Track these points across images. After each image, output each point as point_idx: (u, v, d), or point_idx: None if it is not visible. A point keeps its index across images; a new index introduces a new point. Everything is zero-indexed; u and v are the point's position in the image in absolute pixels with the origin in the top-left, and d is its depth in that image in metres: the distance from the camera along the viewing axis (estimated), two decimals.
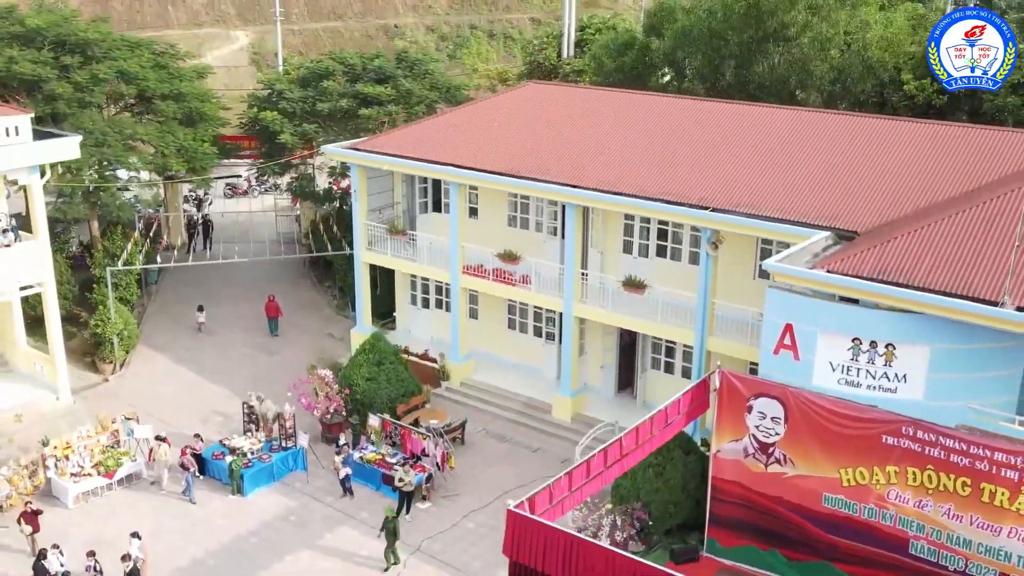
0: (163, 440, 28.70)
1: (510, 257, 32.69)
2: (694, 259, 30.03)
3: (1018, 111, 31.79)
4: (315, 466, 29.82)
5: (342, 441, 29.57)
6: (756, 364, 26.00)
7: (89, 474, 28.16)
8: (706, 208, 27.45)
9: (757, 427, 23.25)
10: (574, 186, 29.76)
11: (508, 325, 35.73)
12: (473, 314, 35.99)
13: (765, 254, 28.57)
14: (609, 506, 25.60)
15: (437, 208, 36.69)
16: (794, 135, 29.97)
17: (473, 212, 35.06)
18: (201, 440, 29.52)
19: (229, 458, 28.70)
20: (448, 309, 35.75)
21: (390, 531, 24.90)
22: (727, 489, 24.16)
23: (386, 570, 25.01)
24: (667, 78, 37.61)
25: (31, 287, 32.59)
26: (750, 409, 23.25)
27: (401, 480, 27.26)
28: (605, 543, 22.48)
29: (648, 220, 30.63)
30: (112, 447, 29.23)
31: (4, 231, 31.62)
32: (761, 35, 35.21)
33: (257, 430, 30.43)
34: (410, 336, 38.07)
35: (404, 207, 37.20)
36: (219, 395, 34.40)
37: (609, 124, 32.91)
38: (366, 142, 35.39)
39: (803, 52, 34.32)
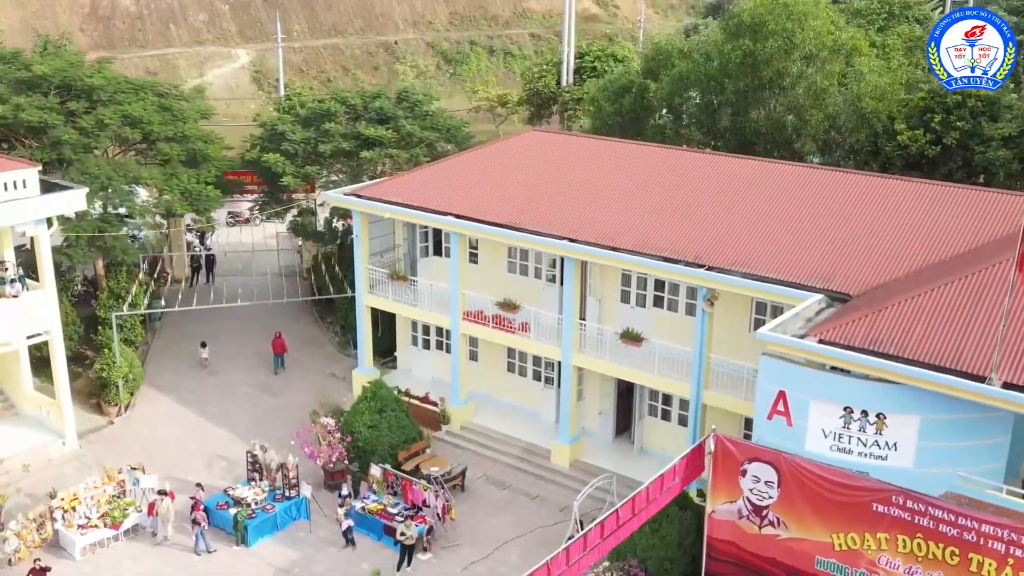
0: (165, 494, 29.16)
1: (509, 306, 33.20)
2: (691, 310, 30.54)
3: (1009, 164, 32.26)
4: (318, 514, 30.30)
5: (344, 492, 30.06)
6: (751, 418, 26.52)
7: (96, 525, 28.66)
8: (702, 266, 27.95)
9: (751, 490, 23.73)
10: (572, 240, 30.27)
11: (508, 368, 36.22)
12: (473, 356, 36.49)
13: (760, 308, 29.14)
14: (606, 563, 26.09)
15: (438, 252, 37.16)
16: (791, 190, 30.48)
17: (473, 258, 35.56)
18: (202, 489, 29.99)
19: (233, 509, 29.19)
20: (448, 350, 36.25)
21: None
22: (722, 548, 24.65)
23: None
24: (664, 120, 38.06)
25: (38, 335, 33.04)
26: (744, 473, 23.74)
27: (403, 534, 27.77)
28: None
29: (646, 272, 31.13)
30: (118, 497, 29.72)
31: (11, 281, 32.12)
32: (757, 83, 35.72)
33: (261, 479, 30.92)
34: (411, 375, 38.61)
35: (405, 250, 37.71)
36: (223, 439, 34.89)
37: (608, 174, 33.42)
38: (368, 188, 35.89)
39: (798, 102, 34.82)
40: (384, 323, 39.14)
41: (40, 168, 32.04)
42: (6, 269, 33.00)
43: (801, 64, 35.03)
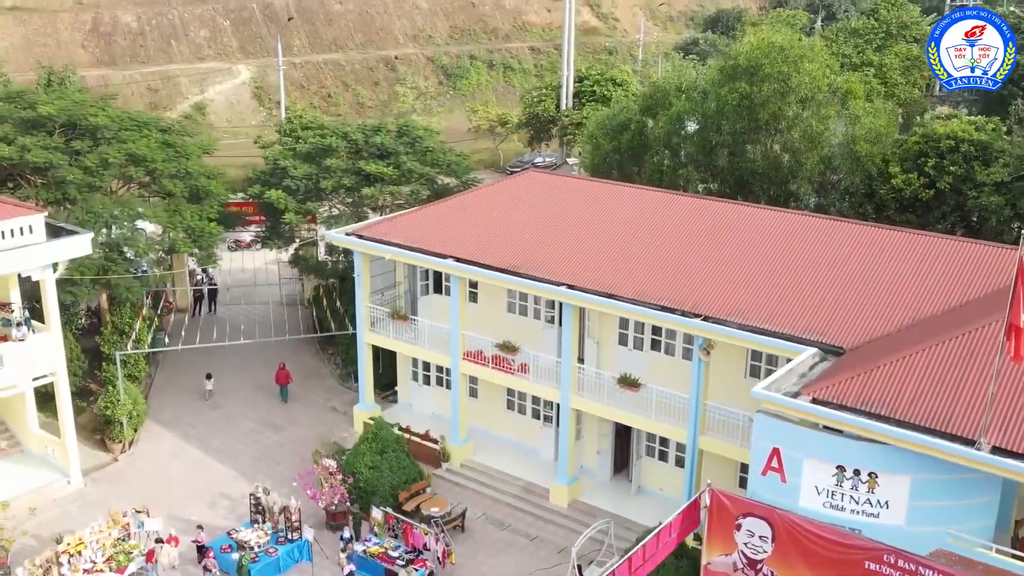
0: (163, 542, 29.55)
1: (509, 348, 33.65)
2: (687, 355, 30.96)
3: (1001, 210, 32.70)
4: (320, 556, 30.71)
5: (346, 535, 30.51)
6: (746, 464, 26.97)
7: (101, 570, 29.07)
8: (698, 316, 28.40)
9: (746, 544, 24.14)
10: (571, 286, 30.72)
11: (507, 406, 36.67)
12: (473, 393, 36.93)
13: (756, 355, 29.61)
14: None
15: (438, 290, 37.61)
16: (787, 238, 30.93)
17: (473, 297, 36.01)
18: (203, 531, 30.41)
19: (236, 554, 29.62)
20: (448, 386, 36.68)
21: None
22: None
23: None
24: (662, 158, 38.49)
25: (43, 376, 33.48)
26: (739, 527, 24.14)
27: None
28: None
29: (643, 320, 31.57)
30: (123, 539, 30.14)
31: (18, 324, 32.57)
32: (753, 125, 36.18)
33: (263, 521, 31.36)
34: (411, 410, 39.09)
35: (406, 287, 38.18)
36: (226, 476, 35.32)
37: (606, 218, 33.87)
38: (369, 228, 36.33)
39: (794, 144, 35.30)
40: (385, 357, 39.58)
41: (46, 213, 32.40)
42: (12, 311, 33.47)
43: (797, 107, 35.50)
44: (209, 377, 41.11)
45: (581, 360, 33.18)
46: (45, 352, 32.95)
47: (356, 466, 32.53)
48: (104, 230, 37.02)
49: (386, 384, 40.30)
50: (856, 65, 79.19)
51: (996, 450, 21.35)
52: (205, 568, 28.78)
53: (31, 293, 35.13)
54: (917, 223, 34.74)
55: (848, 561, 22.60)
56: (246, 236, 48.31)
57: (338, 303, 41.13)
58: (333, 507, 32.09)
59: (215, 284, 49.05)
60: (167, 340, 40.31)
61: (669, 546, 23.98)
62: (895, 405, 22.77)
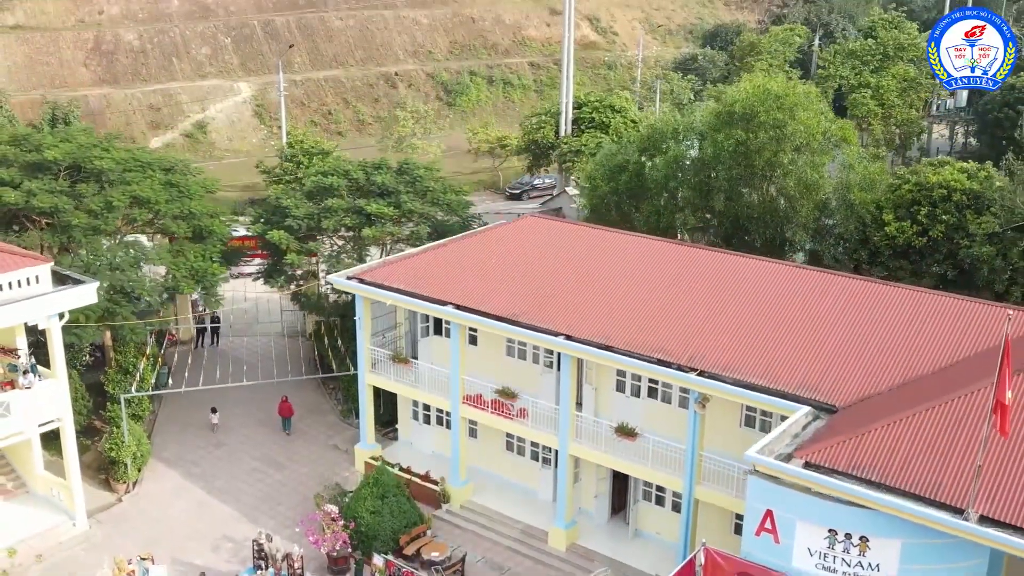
0: None
1: (508, 394, 34.15)
2: (684, 403, 31.45)
3: (992, 260, 33.21)
4: None
5: None
6: (741, 516, 27.46)
7: None
8: (694, 370, 28.91)
9: None
10: (569, 337, 31.22)
11: (506, 447, 37.17)
12: (472, 433, 37.42)
13: (751, 406, 30.08)
14: None
15: (439, 331, 38.07)
16: (782, 291, 31.46)
17: (473, 340, 36.50)
18: None
19: None
20: (448, 426, 37.18)
21: None
22: None
23: None
24: (660, 201, 39.03)
25: (50, 422, 33.97)
26: None
27: None
28: None
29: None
30: None
31: (25, 372, 33.06)
32: (749, 172, 36.73)
33: (266, 567, 31.85)
34: (411, 448, 39.60)
35: (407, 328, 38.68)
36: (229, 518, 35.80)
37: (603, 266, 34.38)
38: (370, 272, 36.80)
39: (789, 191, 35.86)
40: (386, 394, 40.02)
41: (51, 263, 32.89)
42: (18, 357, 33.97)
43: (792, 154, 36.03)
44: (214, 411, 41.67)
45: (579, 404, 33.72)
46: (51, 399, 33.44)
47: (357, 511, 33.04)
48: (109, 272, 37.43)
49: (387, 421, 40.80)
50: (854, 87, 79.98)
51: (984, 519, 21.84)
52: None
53: (35, 331, 35.58)
54: (910, 269, 35.25)
55: None
56: (249, 269, 48.79)
57: (339, 341, 41.59)
58: (335, 552, 32.57)
59: (218, 317, 49.53)
60: (171, 381, 40.76)
61: None
62: (886, 470, 23.26)
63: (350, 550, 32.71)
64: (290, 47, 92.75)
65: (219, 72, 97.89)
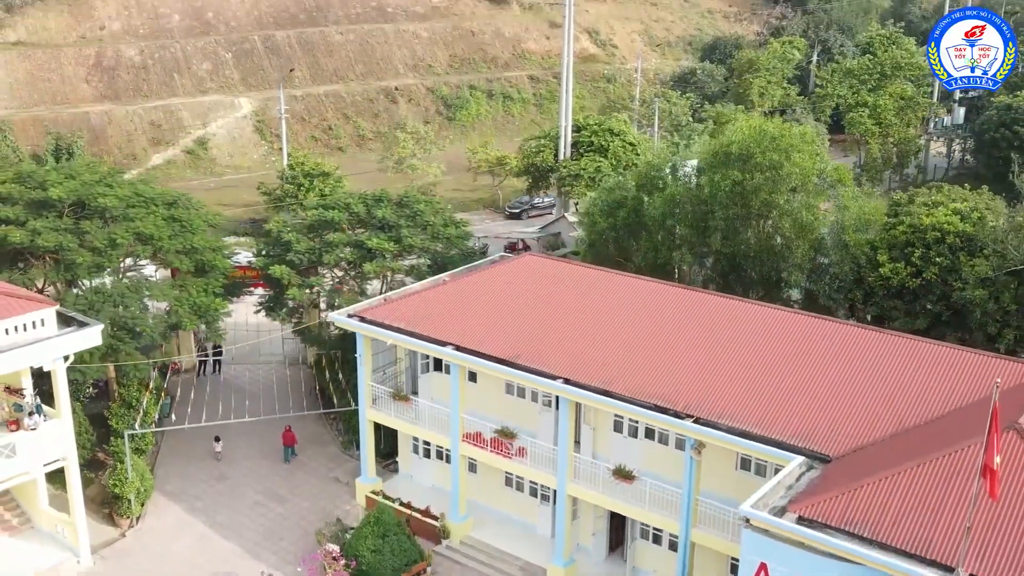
0: None
1: (507, 434, 34.60)
2: (680, 445, 31.89)
3: (985, 304, 33.65)
4: None
5: None
6: (736, 560, 27.89)
7: None
8: (690, 417, 29.36)
9: None
10: (567, 381, 31.67)
11: (505, 482, 37.60)
12: (472, 468, 37.84)
13: None
14: None
15: (439, 367, 38.51)
16: (777, 337, 31.94)
17: (473, 377, 36.93)
18: None
19: None
20: (448, 460, 37.61)
21: None
22: None
23: None
24: (658, 238, 39.48)
25: (55, 461, 34.40)
26: None
27: None
28: None
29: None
30: None
31: (30, 414, 33.51)
32: (745, 212, 37.21)
33: None
34: (411, 481, 40.03)
35: (407, 364, 39.12)
36: (231, 554, 36.22)
37: (602, 308, 34.84)
38: (371, 311, 37.22)
39: (785, 233, 36.34)
40: (387, 426, 40.40)
41: (57, 305, 33.31)
42: (24, 397, 34.41)
43: (788, 195, 36.50)
44: (218, 440, 42.14)
45: (578, 442, 34.18)
46: (56, 439, 33.92)
47: (359, 549, 33.50)
48: (113, 310, 37.87)
49: (387, 453, 41.23)
50: (851, 106, 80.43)
51: None
52: None
53: (40, 368, 36.01)
54: (904, 309, 35.69)
55: None
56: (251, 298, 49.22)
57: (340, 374, 42.02)
58: None
59: (220, 345, 49.92)
60: (174, 416, 41.16)
61: None
62: (877, 527, 23.69)
63: None
64: (291, 71, 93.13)
65: (220, 87, 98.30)
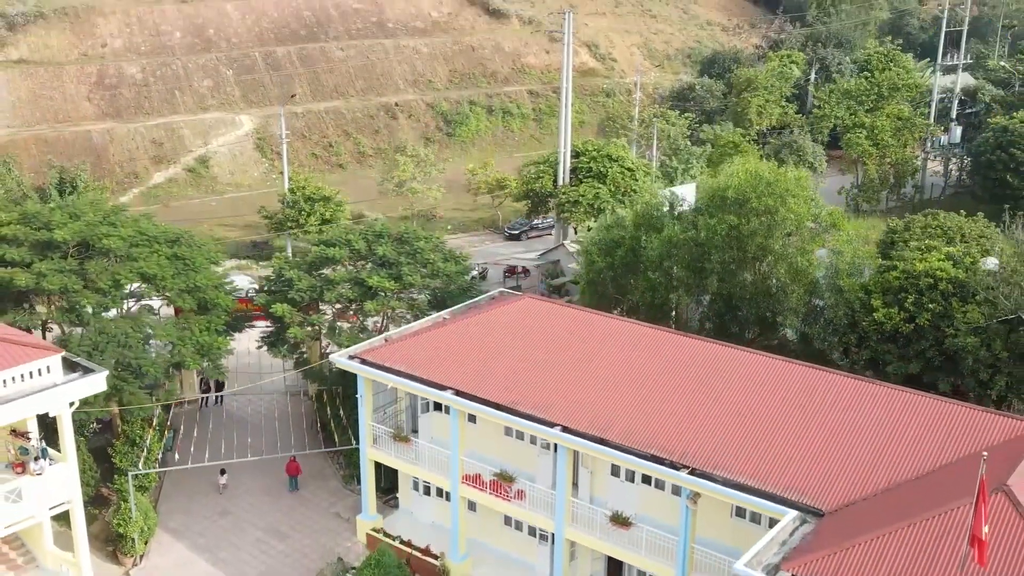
0: None
1: (506, 478, 35.09)
2: (676, 490, 32.37)
3: (977, 351, 34.14)
4: None
5: None
6: None
7: None
8: (686, 467, 29.85)
9: None
10: (565, 428, 32.17)
11: (504, 521, 38.08)
12: (472, 507, 38.30)
13: None
14: None
15: (439, 407, 38.96)
16: (773, 387, 32.41)
17: (472, 418, 37.40)
18: None
19: None
20: (448, 498, 38.10)
21: None
22: None
23: None
24: (655, 277, 39.98)
25: (60, 504, 34.85)
26: None
27: None
28: None
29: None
30: None
31: (36, 459, 33.97)
32: (741, 256, 37.73)
33: None
34: (412, 517, 40.53)
35: (407, 403, 39.62)
36: None
37: (600, 353, 35.31)
38: (372, 352, 37.68)
39: (780, 278, 36.87)
40: None
41: (63, 352, 33.78)
42: (29, 439, 34.86)
43: (783, 240, 37.02)
44: (223, 472, 42.65)
45: (575, 485, 34.68)
46: (62, 483, 34.33)
47: None
48: (116, 349, 38.34)
49: (387, 488, 41.72)
50: (849, 127, 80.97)
51: None
52: None
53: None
54: (898, 353, 36.15)
55: None
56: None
57: (341, 410, 42.52)
58: None
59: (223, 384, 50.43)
60: (177, 456, 41.62)
61: None
62: None
63: None
64: (292, 96, 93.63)
65: (221, 104, 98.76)
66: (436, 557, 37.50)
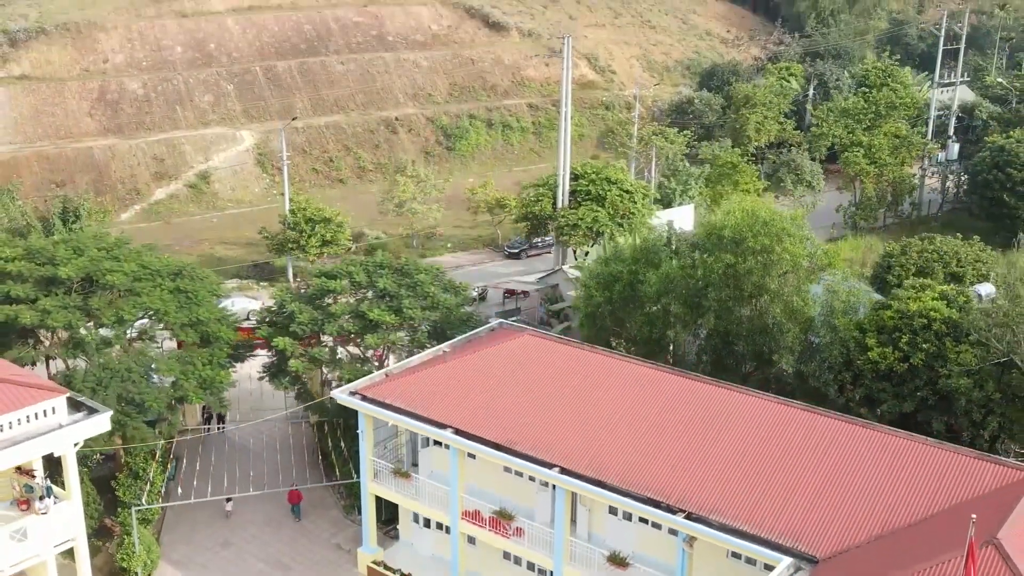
0: None
1: (505, 516, 35.55)
2: (674, 530, 32.80)
3: (970, 392, 34.59)
4: None
5: None
6: None
7: None
8: (682, 511, 30.31)
9: None
10: (564, 469, 32.62)
11: (504, 555, 38.51)
12: (471, 540, 38.76)
13: None
14: None
15: (439, 441, 39.39)
16: (768, 430, 32.87)
17: (472, 454, 37.83)
18: None
19: None
20: (448, 531, 38.55)
21: None
22: None
23: None
24: (653, 311, 40.48)
25: (65, 542, 35.30)
26: None
27: None
28: None
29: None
30: None
31: (41, 498, 34.43)
32: (738, 295, 38.22)
33: None
34: (412, 549, 40.97)
35: (407, 437, 40.08)
36: None
37: (598, 394, 35.76)
38: (372, 388, 38.13)
39: (776, 318, 37.37)
40: None
41: (68, 393, 34.24)
42: (35, 477, 35.29)
43: (779, 279, 37.52)
44: (229, 500, 43.14)
45: (574, 521, 35.13)
46: (67, 522, 34.80)
47: None
48: (120, 384, 38.78)
49: (388, 519, 42.16)
50: (846, 145, 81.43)
51: None
52: None
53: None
54: (892, 392, 36.59)
55: None
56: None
57: (342, 441, 42.96)
58: None
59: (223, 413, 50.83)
60: (180, 490, 42.10)
61: None
62: None
63: None
64: (293, 119, 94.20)
65: (222, 119, 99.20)
66: None
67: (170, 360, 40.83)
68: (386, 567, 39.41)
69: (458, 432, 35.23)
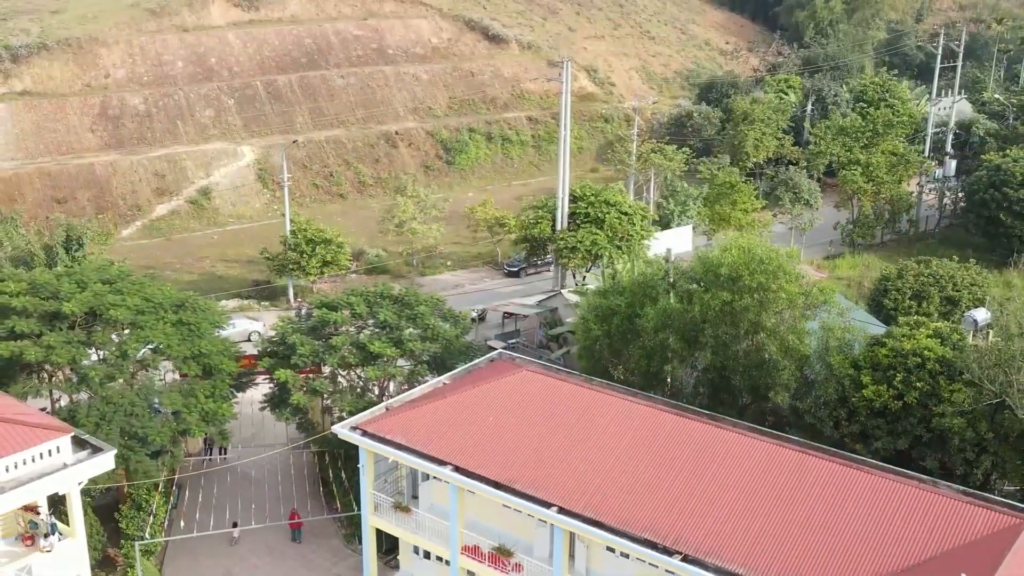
0: None
1: (504, 552, 35.99)
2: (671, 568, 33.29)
3: (963, 431, 35.05)
4: None
5: None
6: None
7: None
8: (678, 554, 30.75)
9: None
10: (562, 509, 33.07)
11: None
12: (471, 575, 39.18)
13: None
14: None
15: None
16: (763, 471, 33.24)
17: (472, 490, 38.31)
18: None
19: None
20: (448, 563, 38.99)
21: None
22: None
23: None
24: (651, 344, 40.92)
25: None
26: None
27: None
28: None
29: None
30: None
31: (45, 535, 34.85)
32: (735, 331, 38.69)
33: None
34: None
35: (408, 470, 40.49)
36: None
37: (596, 431, 36.15)
38: (373, 423, 38.55)
39: (772, 356, 37.83)
40: None
41: (72, 432, 34.66)
42: (39, 514, 35.72)
43: (775, 317, 37.97)
44: (235, 525, 43.66)
45: (572, 556, 35.56)
46: (71, 559, 35.20)
47: None
48: (123, 418, 39.23)
49: (388, 549, 42.62)
50: (844, 164, 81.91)
51: None
52: None
53: None
54: (887, 429, 37.02)
55: None
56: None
57: (343, 472, 43.39)
58: None
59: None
60: (183, 523, 42.51)
61: None
62: None
63: None
64: (294, 141, 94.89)
65: (223, 134, 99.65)
66: None
67: (172, 393, 41.27)
68: None
69: (457, 469, 35.68)
